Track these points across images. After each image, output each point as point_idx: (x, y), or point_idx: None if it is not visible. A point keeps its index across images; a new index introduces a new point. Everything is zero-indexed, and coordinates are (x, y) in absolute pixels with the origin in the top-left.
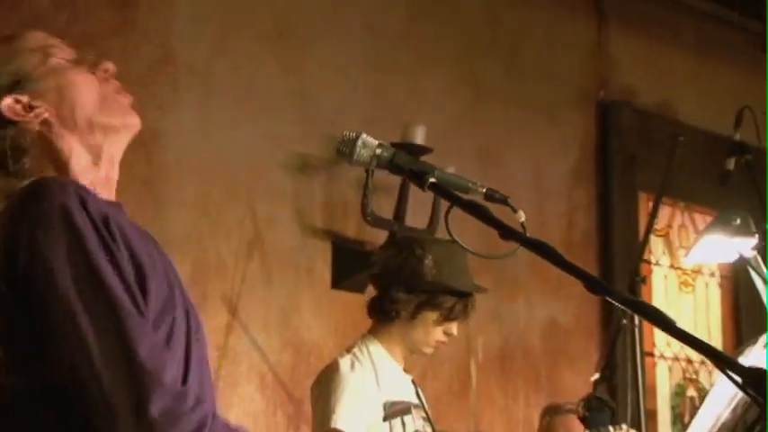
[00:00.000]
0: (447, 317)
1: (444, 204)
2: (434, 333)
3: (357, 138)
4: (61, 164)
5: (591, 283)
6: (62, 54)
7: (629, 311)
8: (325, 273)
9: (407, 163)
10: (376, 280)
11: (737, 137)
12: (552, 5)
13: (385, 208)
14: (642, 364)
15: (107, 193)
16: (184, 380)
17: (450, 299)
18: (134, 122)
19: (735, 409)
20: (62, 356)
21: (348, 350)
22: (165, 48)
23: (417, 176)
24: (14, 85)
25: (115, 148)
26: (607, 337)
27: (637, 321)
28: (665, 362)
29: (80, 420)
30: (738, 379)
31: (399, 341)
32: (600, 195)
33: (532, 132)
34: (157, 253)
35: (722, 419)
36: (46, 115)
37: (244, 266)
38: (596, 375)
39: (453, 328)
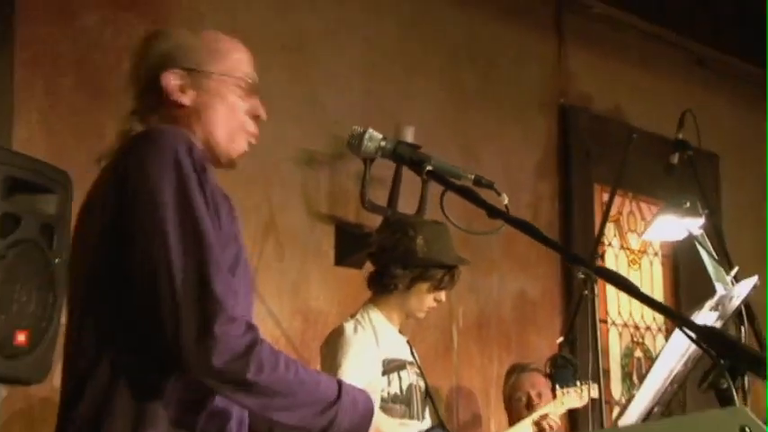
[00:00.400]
0: (437, 286)
1: (432, 193)
2: (427, 300)
3: (365, 132)
4: None
5: (569, 256)
6: (239, 72)
7: (592, 280)
8: (329, 252)
9: (408, 153)
10: (374, 258)
11: (680, 136)
12: (520, 27)
13: (380, 196)
14: (599, 329)
15: None
16: None
17: (440, 271)
18: (232, 162)
19: (686, 363)
20: (145, 263)
21: (352, 316)
22: None
23: (417, 164)
24: (190, 68)
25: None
26: (568, 306)
27: (596, 292)
28: (617, 328)
29: (147, 323)
30: (693, 335)
31: (396, 308)
32: (561, 187)
33: (504, 133)
34: (236, 219)
35: (675, 372)
36: (186, 104)
37: (260, 246)
38: (561, 339)
39: (442, 295)
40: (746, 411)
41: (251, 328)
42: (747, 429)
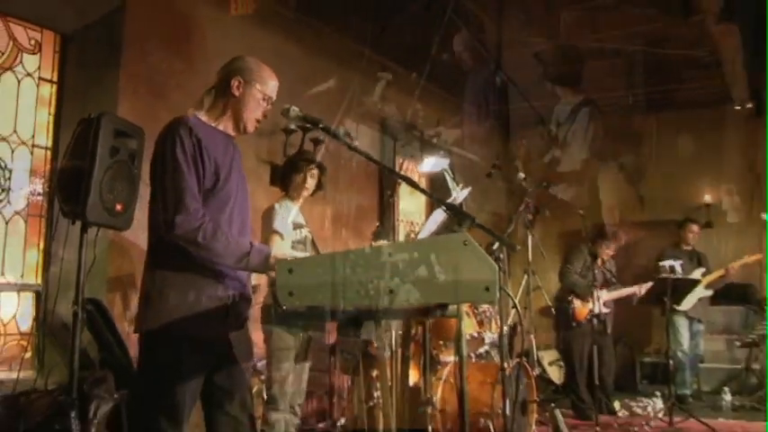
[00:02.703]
0: (299, 174)
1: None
2: (301, 185)
3: (290, 107)
4: (228, 111)
5: (399, 175)
6: (266, 92)
7: (395, 196)
8: (266, 178)
9: (311, 117)
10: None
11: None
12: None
13: (293, 151)
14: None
15: (231, 128)
16: (230, 221)
17: (298, 168)
18: (248, 131)
19: (439, 225)
20: (158, 185)
21: (277, 201)
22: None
23: (315, 123)
24: (247, 79)
25: (232, 128)
26: (381, 209)
27: (395, 202)
28: (402, 223)
29: (163, 216)
30: (444, 208)
31: (293, 197)
32: (380, 157)
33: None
34: (235, 160)
35: (432, 231)
36: (236, 95)
37: None
38: (378, 224)
39: (307, 183)
40: (467, 235)
41: (203, 216)
42: (466, 243)
